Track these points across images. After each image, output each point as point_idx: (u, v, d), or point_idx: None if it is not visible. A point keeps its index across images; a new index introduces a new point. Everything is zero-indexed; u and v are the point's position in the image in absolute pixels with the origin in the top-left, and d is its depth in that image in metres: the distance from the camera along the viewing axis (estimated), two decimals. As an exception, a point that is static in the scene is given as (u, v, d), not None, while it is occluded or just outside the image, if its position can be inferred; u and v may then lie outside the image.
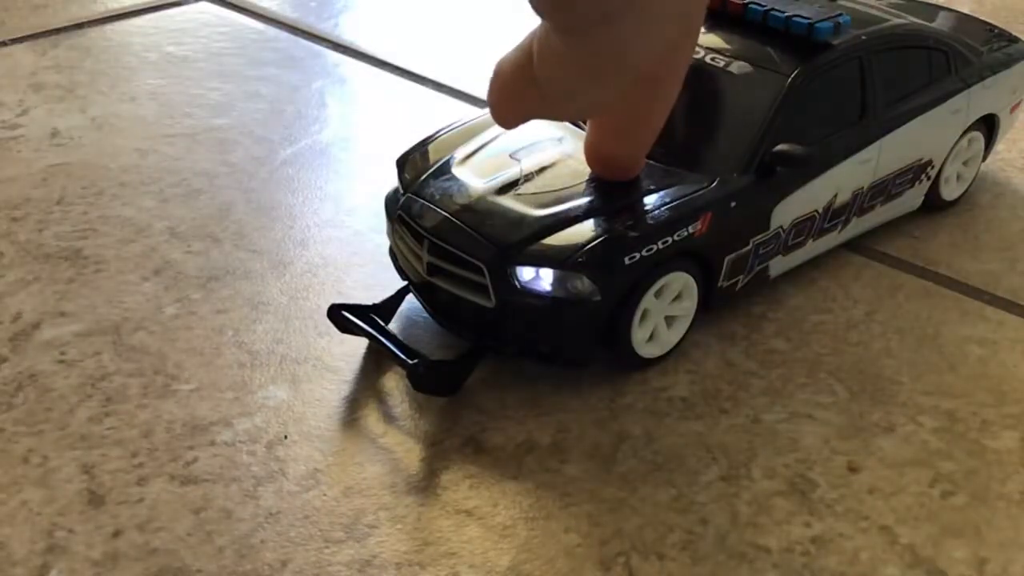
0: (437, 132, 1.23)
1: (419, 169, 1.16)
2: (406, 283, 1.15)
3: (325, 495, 0.96)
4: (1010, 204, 1.48)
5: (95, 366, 1.12)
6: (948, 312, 1.24)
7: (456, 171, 1.13)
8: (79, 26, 1.98)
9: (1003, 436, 1.05)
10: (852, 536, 0.93)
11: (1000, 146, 1.60)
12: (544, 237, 1.04)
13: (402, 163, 1.18)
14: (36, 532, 0.92)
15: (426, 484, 0.98)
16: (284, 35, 1.99)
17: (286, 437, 1.03)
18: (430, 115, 1.64)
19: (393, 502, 0.96)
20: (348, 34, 2.01)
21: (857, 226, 1.29)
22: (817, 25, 1.16)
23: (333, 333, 1.13)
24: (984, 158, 1.46)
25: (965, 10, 1.72)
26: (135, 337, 1.16)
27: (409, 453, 1.01)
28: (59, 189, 1.44)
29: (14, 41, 1.91)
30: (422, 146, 1.20)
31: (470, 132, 1.21)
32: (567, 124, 1.20)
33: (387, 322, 1.14)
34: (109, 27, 2.00)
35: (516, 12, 2.18)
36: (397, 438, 1.03)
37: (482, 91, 1.78)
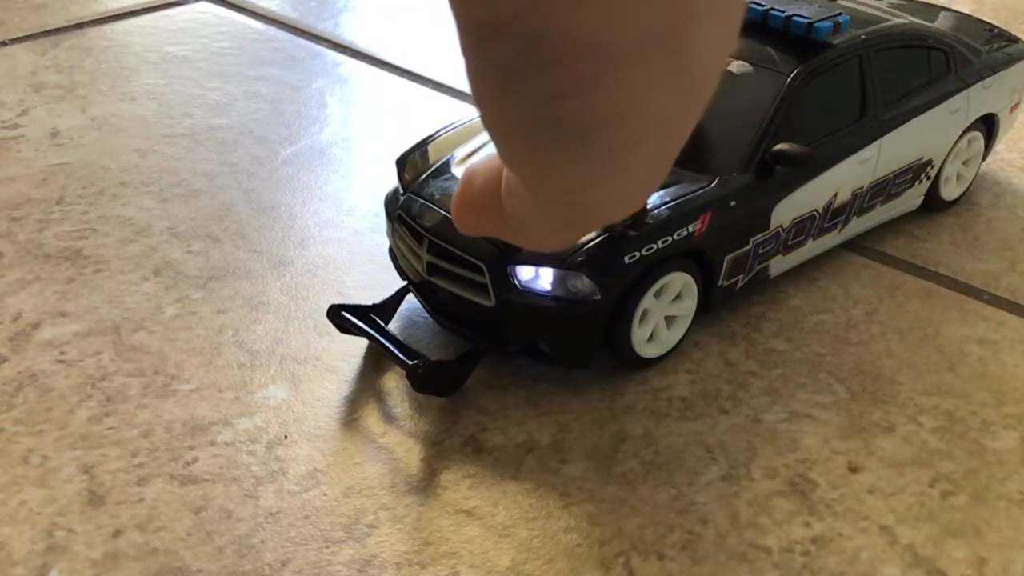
0: (437, 132, 1.23)
1: (419, 169, 1.16)
2: (406, 283, 1.16)
3: (325, 495, 0.96)
4: (1010, 204, 1.48)
5: (95, 366, 1.12)
6: (948, 312, 1.24)
7: (456, 171, 1.13)
8: (79, 26, 1.98)
9: (1003, 436, 1.05)
10: (852, 536, 0.93)
11: (1000, 146, 1.60)
12: None
13: (402, 163, 1.18)
14: (36, 532, 0.92)
15: (426, 484, 0.98)
16: (284, 35, 1.99)
17: (286, 437, 1.03)
18: (430, 115, 1.64)
19: (393, 502, 0.96)
20: (348, 34, 2.01)
21: (857, 225, 1.29)
22: (816, 25, 1.17)
23: (333, 333, 1.13)
24: (984, 158, 1.46)
25: (965, 10, 1.72)
26: (135, 337, 1.16)
27: (409, 453, 1.01)
28: (59, 189, 1.44)
29: (14, 41, 1.91)
30: (422, 146, 1.21)
31: (470, 132, 1.21)
32: None
33: (387, 322, 1.15)
34: (109, 27, 2.00)
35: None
36: (397, 438, 1.03)
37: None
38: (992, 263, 1.34)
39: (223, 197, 1.43)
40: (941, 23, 1.43)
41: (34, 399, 1.06)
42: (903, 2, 1.50)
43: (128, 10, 2.06)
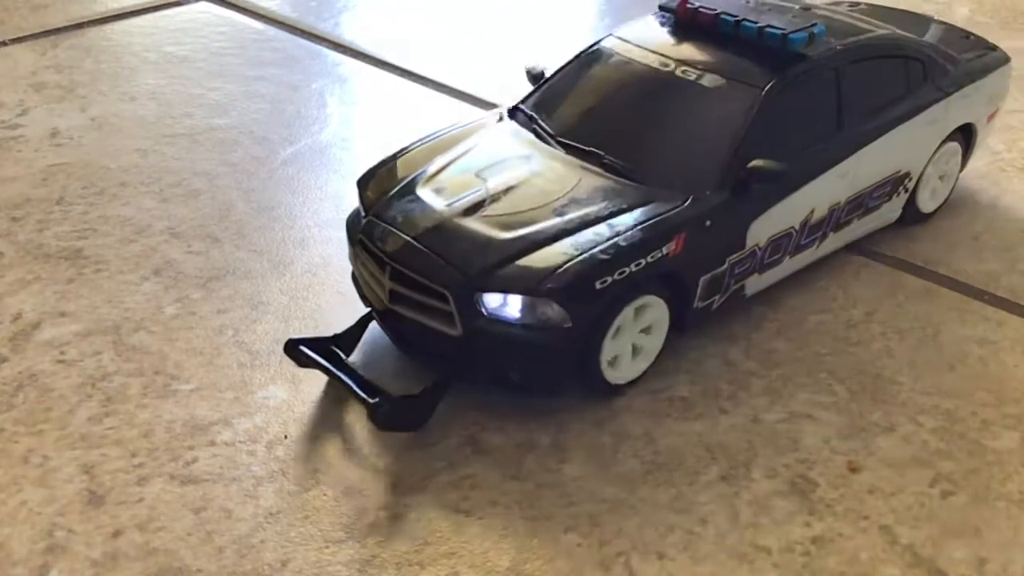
0: (403, 148, 1.22)
1: (382, 189, 1.15)
2: (369, 310, 1.13)
3: (325, 495, 0.97)
4: (1010, 204, 1.48)
5: (95, 366, 1.12)
6: (948, 312, 1.24)
7: (420, 192, 1.12)
8: (79, 26, 1.98)
9: (1003, 436, 1.05)
10: (852, 536, 0.93)
11: (1000, 146, 1.61)
12: (512, 261, 1.03)
13: (364, 182, 1.17)
14: (36, 532, 0.92)
15: (426, 484, 0.98)
16: (284, 35, 1.99)
17: (286, 437, 1.03)
18: (430, 115, 1.64)
19: (393, 502, 0.96)
20: (348, 34, 2.01)
21: (835, 241, 1.28)
22: (791, 36, 1.16)
23: (333, 332, 1.13)
24: (962, 168, 1.45)
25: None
26: (135, 337, 1.16)
27: (410, 452, 1.01)
28: (59, 189, 1.44)
29: (14, 41, 1.91)
30: (386, 164, 1.19)
31: (436, 149, 1.20)
32: (535, 141, 1.19)
33: (350, 352, 1.12)
34: (109, 27, 2.00)
35: (516, 12, 2.18)
36: (397, 438, 1.03)
37: (482, 91, 1.78)
38: (992, 263, 1.34)
39: (223, 197, 1.44)
40: (918, 31, 1.42)
41: (34, 399, 1.06)
42: (875, 7, 1.49)
43: (128, 10, 2.06)
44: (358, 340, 1.13)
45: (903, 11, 1.55)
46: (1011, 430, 1.06)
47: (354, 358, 1.12)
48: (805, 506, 0.96)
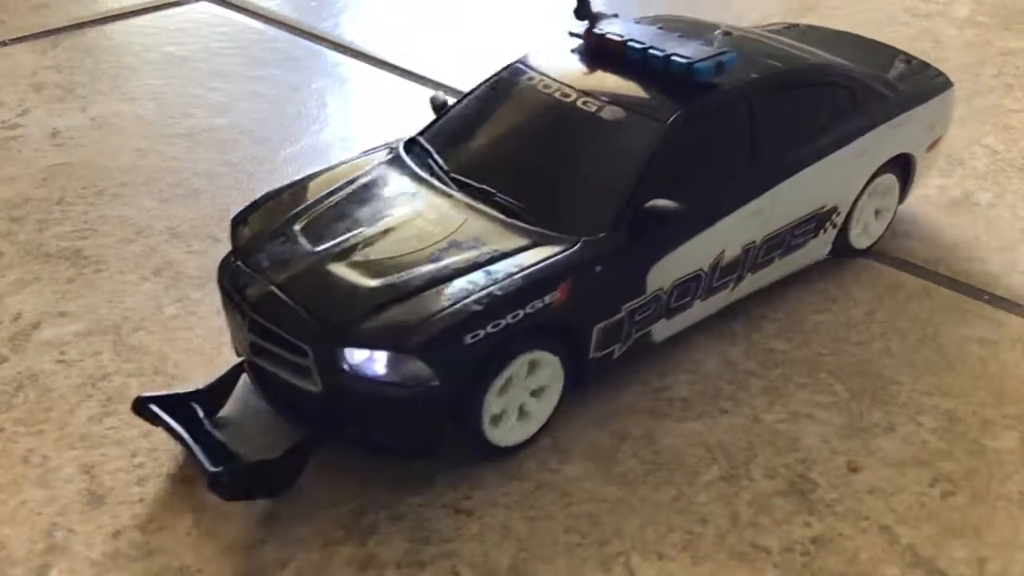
0: (288, 184, 1.13)
1: (255, 229, 1.05)
2: (241, 360, 1.04)
3: (325, 495, 0.96)
4: (1010, 204, 1.48)
5: (95, 366, 1.12)
6: (948, 312, 1.24)
7: (295, 232, 1.03)
8: (79, 26, 1.98)
9: (1003, 436, 1.05)
10: (852, 536, 0.93)
11: (1000, 146, 1.61)
12: (378, 313, 0.93)
13: (238, 221, 1.08)
14: (36, 532, 0.92)
15: (426, 484, 0.98)
16: (284, 35, 1.99)
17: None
18: (430, 115, 1.64)
19: (393, 502, 0.96)
20: (348, 34, 2.01)
21: (753, 282, 1.19)
22: (697, 65, 1.07)
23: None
24: (900, 201, 1.36)
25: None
26: (135, 337, 1.17)
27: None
28: (59, 189, 1.44)
29: (14, 41, 1.91)
30: (264, 201, 1.10)
31: (322, 184, 1.10)
32: (427, 177, 1.09)
33: (218, 408, 1.03)
34: (109, 27, 2.00)
35: (515, 12, 2.17)
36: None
37: (482, 91, 1.78)
38: (992, 263, 1.34)
39: (223, 197, 1.44)
40: (851, 56, 1.32)
41: (34, 399, 1.07)
42: (813, 28, 1.42)
43: (128, 10, 2.06)
44: (228, 393, 1.05)
45: (838, 32, 1.48)
46: (1011, 430, 1.06)
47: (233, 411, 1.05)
48: (805, 506, 0.96)
